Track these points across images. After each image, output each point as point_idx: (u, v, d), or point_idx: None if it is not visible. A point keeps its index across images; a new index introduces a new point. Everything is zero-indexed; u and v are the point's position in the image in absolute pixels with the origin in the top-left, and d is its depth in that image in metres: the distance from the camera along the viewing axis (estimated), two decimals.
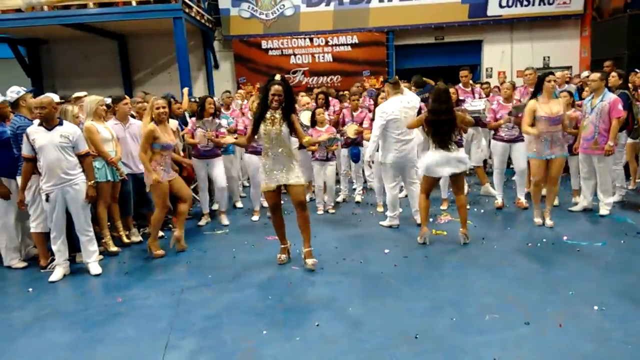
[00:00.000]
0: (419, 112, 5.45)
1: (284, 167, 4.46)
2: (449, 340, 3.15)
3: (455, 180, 5.02)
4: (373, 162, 5.77)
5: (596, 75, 5.57)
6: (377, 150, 5.56)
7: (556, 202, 5.84)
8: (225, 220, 6.21)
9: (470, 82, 7.45)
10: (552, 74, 5.28)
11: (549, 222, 5.33)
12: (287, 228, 4.77)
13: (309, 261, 4.51)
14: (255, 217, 6.33)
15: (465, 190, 6.29)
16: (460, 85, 7.15)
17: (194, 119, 6.03)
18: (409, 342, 3.14)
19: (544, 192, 5.64)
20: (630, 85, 6.44)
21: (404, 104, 5.33)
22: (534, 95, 5.28)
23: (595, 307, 3.47)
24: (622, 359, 2.88)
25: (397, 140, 5.35)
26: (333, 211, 6.53)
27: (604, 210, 5.65)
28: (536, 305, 3.58)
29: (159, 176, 4.84)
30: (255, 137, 4.53)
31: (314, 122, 6.43)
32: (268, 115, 4.38)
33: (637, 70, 6.94)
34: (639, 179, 6.61)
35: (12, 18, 9.15)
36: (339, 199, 7.06)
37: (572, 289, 3.78)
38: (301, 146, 6.76)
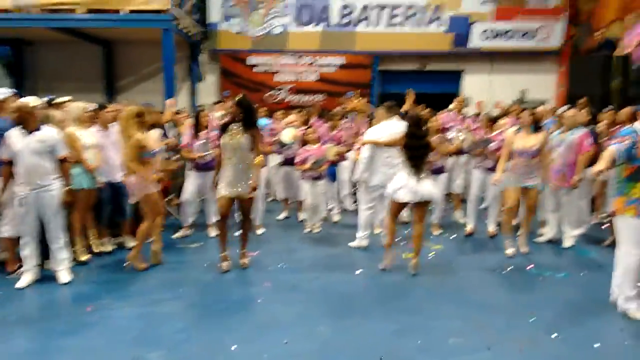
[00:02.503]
0: None
1: (243, 180, 4.78)
2: None
3: (417, 209, 4.99)
4: (359, 182, 5.79)
5: (573, 112, 5.79)
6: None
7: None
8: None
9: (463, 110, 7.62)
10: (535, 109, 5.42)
11: (524, 249, 5.40)
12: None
13: (242, 260, 5.11)
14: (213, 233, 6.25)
15: (440, 215, 6.47)
16: (452, 112, 7.27)
17: (190, 132, 6.01)
18: None
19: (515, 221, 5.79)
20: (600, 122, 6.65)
21: (394, 129, 5.45)
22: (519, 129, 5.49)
23: (554, 335, 3.62)
24: None
25: (386, 164, 5.47)
26: (318, 230, 6.55)
27: (568, 243, 5.85)
28: (500, 330, 3.71)
29: (156, 177, 4.95)
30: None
31: (304, 142, 6.55)
32: (230, 127, 4.76)
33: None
34: (602, 214, 6.81)
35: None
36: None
37: (534, 316, 3.93)
38: (284, 163, 6.88)
